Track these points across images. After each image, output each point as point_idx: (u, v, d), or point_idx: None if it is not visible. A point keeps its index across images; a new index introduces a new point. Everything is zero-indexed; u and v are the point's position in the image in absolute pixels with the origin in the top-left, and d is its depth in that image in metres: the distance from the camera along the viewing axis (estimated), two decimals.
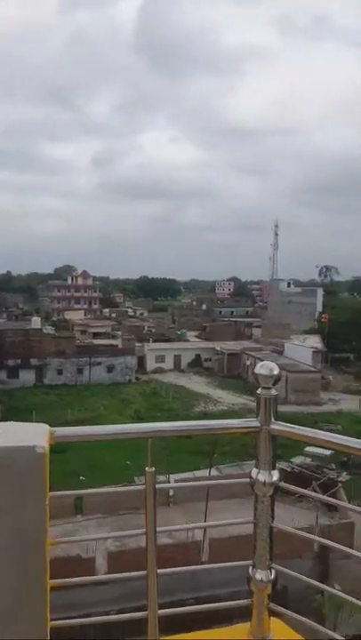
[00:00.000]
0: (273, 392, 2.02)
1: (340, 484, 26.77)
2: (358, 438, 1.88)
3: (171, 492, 26.12)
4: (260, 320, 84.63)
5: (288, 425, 2.06)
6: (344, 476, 29.20)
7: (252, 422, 2.03)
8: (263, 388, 2.02)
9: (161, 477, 25.32)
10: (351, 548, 16.65)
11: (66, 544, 21.20)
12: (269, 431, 1.99)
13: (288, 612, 2.27)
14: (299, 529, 19.72)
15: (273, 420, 2.00)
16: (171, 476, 25.69)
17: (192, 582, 16.90)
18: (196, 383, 56.50)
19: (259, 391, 2.02)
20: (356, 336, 64.69)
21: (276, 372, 2.02)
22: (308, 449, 33.17)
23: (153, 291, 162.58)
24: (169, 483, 25.38)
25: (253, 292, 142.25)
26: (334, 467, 31.15)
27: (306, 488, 26.57)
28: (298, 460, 31.27)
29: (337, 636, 2.45)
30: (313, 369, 52.96)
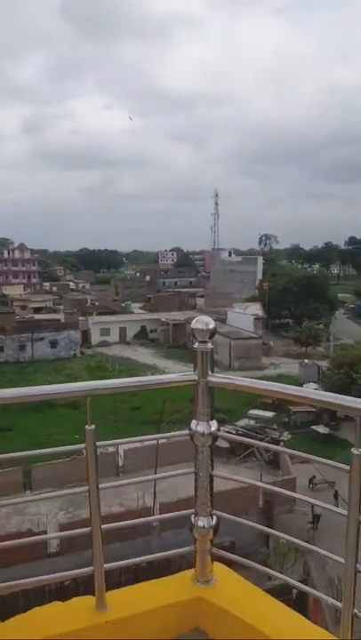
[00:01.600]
0: (209, 345, 2.05)
1: (282, 443, 28.07)
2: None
3: (120, 463, 26.42)
4: (203, 290, 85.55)
5: (225, 376, 2.10)
6: (286, 436, 30.65)
7: (190, 376, 2.05)
8: (200, 342, 2.04)
9: (111, 449, 25.48)
10: (294, 501, 17.52)
11: (17, 521, 21.03)
12: (207, 383, 2.03)
13: (229, 555, 2.37)
14: (244, 487, 20.56)
15: (210, 372, 2.03)
16: (119, 446, 25.93)
17: (145, 549, 17.35)
18: (143, 355, 56.68)
19: (196, 345, 2.05)
20: (294, 302, 66.96)
21: (211, 325, 2.04)
22: (252, 412, 34.46)
23: (95, 263, 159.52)
24: (118, 453, 25.64)
25: (196, 262, 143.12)
26: (276, 427, 32.59)
27: (250, 448, 27.71)
28: (242, 422, 32.40)
29: (278, 574, 2.59)
30: (255, 335, 54.47)
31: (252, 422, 32.70)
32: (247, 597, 2.18)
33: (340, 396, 1.76)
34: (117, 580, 2.05)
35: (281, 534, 2.62)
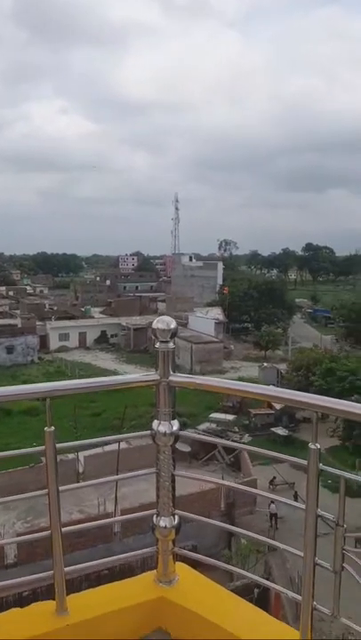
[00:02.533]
0: (171, 345, 2.06)
1: (239, 450, 28.39)
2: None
3: (80, 469, 25.98)
4: (164, 294, 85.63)
5: (187, 375, 2.12)
6: (246, 438, 31.04)
7: (152, 376, 2.06)
8: (161, 342, 2.05)
9: (71, 456, 25.04)
10: (255, 503, 17.77)
11: None
12: (168, 383, 2.03)
13: (192, 555, 2.38)
14: (206, 490, 20.68)
15: (171, 372, 2.04)
16: (80, 453, 25.54)
17: (107, 555, 17.09)
18: (103, 360, 56.08)
19: (157, 345, 2.05)
20: (254, 307, 68.07)
21: (172, 325, 2.05)
22: (213, 415, 34.72)
23: (53, 267, 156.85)
24: (78, 459, 25.22)
25: (157, 266, 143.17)
26: (237, 430, 32.95)
27: (212, 452, 27.91)
28: (203, 426, 32.56)
29: (240, 571, 2.61)
30: (216, 339, 54.98)
31: (213, 426, 32.90)
32: (210, 596, 2.19)
33: (296, 392, 1.81)
34: (78, 587, 2.02)
35: (242, 531, 2.65)
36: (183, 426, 2.12)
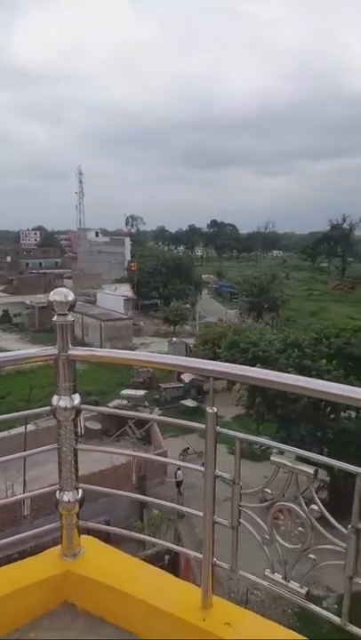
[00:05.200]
0: (69, 318, 2.01)
1: (151, 422, 28.90)
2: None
3: None
4: (70, 271, 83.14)
5: (86, 349, 2.09)
6: (156, 412, 31.63)
7: (50, 350, 2.00)
8: (59, 314, 1.99)
9: None
10: (165, 474, 18.19)
11: None
12: (68, 357, 1.99)
13: (97, 526, 2.39)
14: (118, 465, 20.86)
15: (70, 345, 2.00)
16: None
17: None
18: (6, 340, 53.47)
19: (55, 318, 1.99)
20: (162, 283, 68.61)
21: (70, 297, 2.00)
22: (124, 392, 34.90)
23: None
24: None
25: (62, 242, 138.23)
26: (147, 404, 33.44)
27: (122, 427, 28.12)
28: (114, 403, 32.62)
29: (149, 538, 2.67)
30: (125, 316, 54.78)
31: (124, 402, 33.07)
32: (116, 565, 2.22)
33: (191, 359, 1.86)
34: None
35: (147, 499, 2.71)
36: (95, 404, 2.10)
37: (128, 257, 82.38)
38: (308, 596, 1.74)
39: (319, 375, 21.16)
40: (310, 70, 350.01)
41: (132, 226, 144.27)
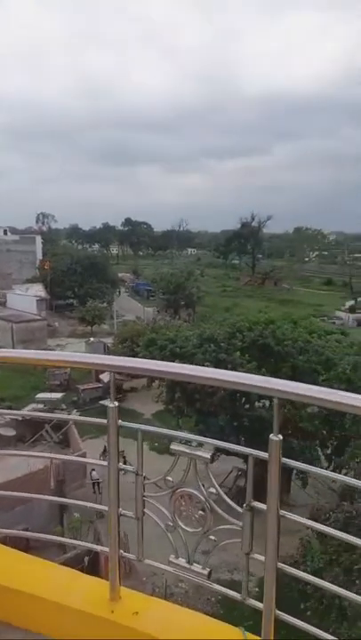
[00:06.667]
0: None
1: (70, 423, 28.27)
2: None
3: None
4: None
5: None
6: (75, 414, 30.96)
7: None
8: None
9: None
10: (85, 477, 17.84)
11: None
12: None
13: (23, 534, 2.32)
14: (35, 472, 20.19)
15: None
16: None
17: None
18: None
19: None
20: (78, 282, 67.15)
21: None
22: (39, 396, 33.75)
23: None
24: None
25: None
26: (65, 407, 32.61)
27: (39, 432, 27.21)
28: (29, 407, 31.44)
29: (65, 540, 2.64)
30: (38, 317, 52.91)
31: (40, 406, 31.97)
32: (23, 568, 2.18)
33: (93, 355, 1.87)
34: None
35: (61, 500, 2.67)
36: (8, 408, 2.02)
37: (40, 256, 79.58)
38: (210, 577, 1.82)
39: (234, 367, 21.94)
40: (212, 72, 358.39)
41: (43, 223, 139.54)
